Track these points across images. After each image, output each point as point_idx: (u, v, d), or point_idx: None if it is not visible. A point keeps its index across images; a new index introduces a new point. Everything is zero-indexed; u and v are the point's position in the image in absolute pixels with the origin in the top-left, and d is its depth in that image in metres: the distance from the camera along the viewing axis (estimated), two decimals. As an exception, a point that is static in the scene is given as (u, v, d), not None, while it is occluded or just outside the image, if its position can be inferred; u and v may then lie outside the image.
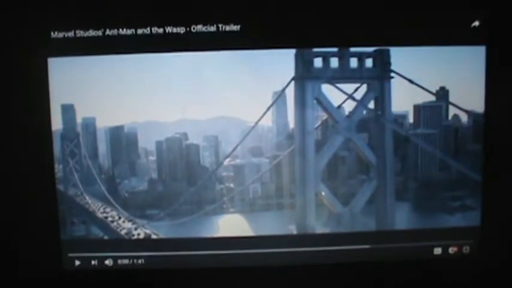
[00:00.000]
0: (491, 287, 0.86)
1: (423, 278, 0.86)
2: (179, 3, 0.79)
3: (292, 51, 0.83)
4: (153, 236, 0.89)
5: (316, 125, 0.91)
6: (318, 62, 0.87)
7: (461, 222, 0.89)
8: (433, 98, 0.86)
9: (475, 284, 0.86)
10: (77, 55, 0.80)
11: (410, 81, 0.84)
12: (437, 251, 0.86)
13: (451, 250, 0.86)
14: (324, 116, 0.92)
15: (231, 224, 0.90)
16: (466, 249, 0.86)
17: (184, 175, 0.92)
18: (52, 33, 0.79)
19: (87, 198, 0.94)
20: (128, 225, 0.92)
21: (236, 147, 0.90)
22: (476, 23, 0.80)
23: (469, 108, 0.85)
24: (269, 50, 0.81)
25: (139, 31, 0.79)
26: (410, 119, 0.90)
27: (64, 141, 0.89)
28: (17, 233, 0.83)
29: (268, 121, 0.88)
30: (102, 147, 0.92)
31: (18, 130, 0.81)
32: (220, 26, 0.79)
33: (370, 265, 0.85)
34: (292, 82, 0.86)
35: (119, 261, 0.85)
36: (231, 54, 0.80)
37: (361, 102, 0.91)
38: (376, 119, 0.92)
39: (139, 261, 0.85)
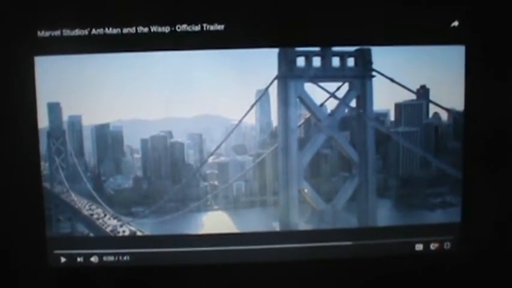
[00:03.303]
0: (473, 282, 0.86)
1: (405, 273, 0.86)
2: (164, 3, 0.80)
3: (275, 50, 0.84)
4: (138, 233, 0.90)
5: (299, 123, 0.92)
6: (300, 61, 0.88)
7: (442, 218, 0.90)
8: (413, 97, 0.87)
9: (456, 280, 0.86)
10: (63, 54, 0.80)
11: (392, 80, 0.85)
12: (419, 247, 0.87)
13: (433, 246, 0.87)
14: (307, 114, 0.93)
15: (215, 221, 0.91)
16: (447, 245, 0.87)
17: (169, 173, 0.92)
18: (39, 32, 0.79)
19: (73, 195, 0.94)
20: (113, 222, 0.92)
21: (220, 145, 0.91)
22: (456, 23, 0.81)
23: (449, 106, 0.87)
24: (252, 49, 0.82)
25: (125, 30, 0.80)
26: (392, 117, 0.92)
27: (50, 139, 0.89)
28: (3, 230, 0.83)
29: (251, 119, 0.89)
30: (88, 145, 0.93)
31: (5, 128, 0.81)
32: (204, 25, 0.80)
33: (353, 261, 0.86)
34: (276, 81, 0.87)
35: (105, 258, 0.85)
36: (215, 53, 0.81)
37: (343, 101, 0.92)
38: (358, 117, 0.93)
39: (125, 258, 0.86)
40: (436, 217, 0.91)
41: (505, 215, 0.85)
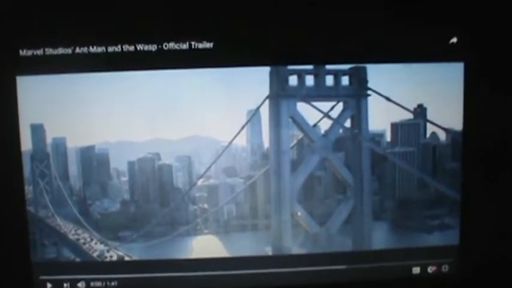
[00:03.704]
0: (471, 306, 0.85)
1: (402, 298, 0.85)
2: (151, 20, 0.77)
3: (267, 69, 0.82)
4: (126, 258, 0.88)
5: (292, 144, 0.90)
6: (293, 80, 0.86)
7: (440, 241, 0.88)
8: (410, 116, 0.85)
9: (454, 303, 0.85)
10: (46, 73, 0.78)
11: (388, 99, 0.83)
12: (416, 270, 0.85)
13: (430, 269, 0.85)
14: (300, 135, 0.91)
15: (205, 246, 0.88)
16: (445, 268, 0.85)
17: (157, 196, 0.90)
18: (21, 51, 0.77)
19: (58, 219, 0.92)
20: (100, 247, 0.91)
21: (209, 167, 0.89)
22: (454, 40, 0.79)
23: (447, 125, 0.85)
24: (243, 67, 0.79)
25: (110, 49, 0.77)
26: (388, 138, 0.90)
27: (34, 162, 0.87)
28: (-14, 256, 0.81)
29: (242, 140, 0.87)
30: (73, 168, 0.91)
31: (-14, 151, 0.79)
32: (192, 43, 0.78)
33: (348, 286, 0.84)
34: (267, 100, 0.85)
35: (92, 284, 0.84)
36: (204, 72, 0.79)
37: (338, 121, 0.90)
38: (352, 138, 0.90)
39: (113, 283, 0.84)
40: (434, 239, 0.89)
41: (504, 237, 0.83)
